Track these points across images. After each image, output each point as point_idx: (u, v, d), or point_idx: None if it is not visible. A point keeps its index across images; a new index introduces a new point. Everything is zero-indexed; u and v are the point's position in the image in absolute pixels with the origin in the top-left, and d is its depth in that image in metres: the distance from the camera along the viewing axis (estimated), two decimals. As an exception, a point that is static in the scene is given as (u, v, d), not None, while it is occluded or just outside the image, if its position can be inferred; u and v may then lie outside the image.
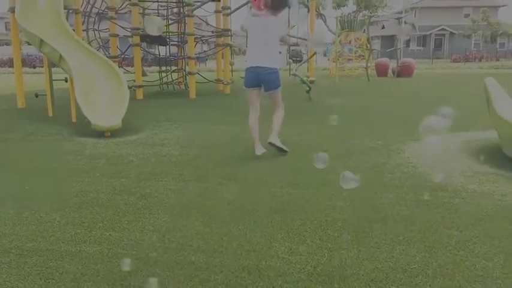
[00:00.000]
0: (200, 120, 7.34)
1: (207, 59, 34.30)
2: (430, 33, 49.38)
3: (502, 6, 52.25)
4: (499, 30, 43.70)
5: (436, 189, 3.55)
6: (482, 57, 38.27)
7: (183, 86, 13.07)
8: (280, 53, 5.21)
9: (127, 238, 2.70)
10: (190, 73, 11.15)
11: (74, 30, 8.25)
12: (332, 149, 4.98)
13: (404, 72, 17.70)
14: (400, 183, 3.75)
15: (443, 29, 49.08)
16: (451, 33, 48.80)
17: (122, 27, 12.07)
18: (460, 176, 3.91)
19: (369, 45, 19.55)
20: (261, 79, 4.80)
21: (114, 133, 5.96)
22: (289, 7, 5.28)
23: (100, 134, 5.92)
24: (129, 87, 9.86)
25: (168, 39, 12.65)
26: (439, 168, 4.15)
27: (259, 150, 4.76)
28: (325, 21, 20.17)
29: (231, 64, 13.05)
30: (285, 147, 4.82)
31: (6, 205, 3.31)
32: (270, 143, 4.74)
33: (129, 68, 13.57)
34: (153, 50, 20.91)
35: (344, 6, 42.72)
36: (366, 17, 24.02)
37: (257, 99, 5.00)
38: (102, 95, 6.82)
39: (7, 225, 2.92)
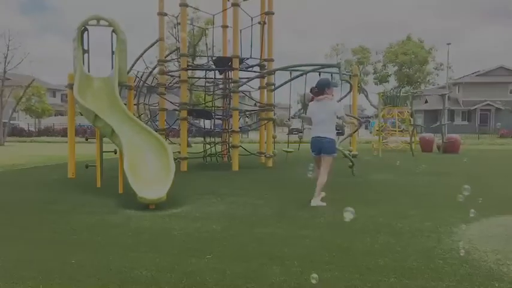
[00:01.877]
0: (243, 193, 7.35)
1: (249, 131, 35.05)
2: (475, 108, 48.77)
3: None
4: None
5: (491, 279, 3.33)
6: (530, 133, 37.17)
7: (226, 159, 13.29)
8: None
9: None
10: (234, 146, 11.37)
11: (125, 104, 8.71)
12: (378, 230, 4.84)
13: (450, 148, 17.36)
14: (452, 270, 3.55)
15: (488, 104, 48.43)
16: (497, 109, 48.02)
17: (171, 102, 12.62)
18: (518, 264, 3.67)
19: (412, 120, 19.46)
20: (320, 145, 6.35)
21: (158, 206, 6.05)
22: (329, 87, 6.55)
23: (145, 206, 6.02)
24: (175, 159, 10.16)
25: (213, 113, 13.09)
26: (492, 255, 3.91)
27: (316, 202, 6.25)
28: (367, 96, 20.35)
29: (274, 137, 13.24)
30: (324, 203, 6.24)
31: (52, 279, 3.35)
32: (312, 206, 6.16)
33: (174, 139, 14.03)
34: (197, 122, 21.68)
35: (386, 82, 43.27)
36: (409, 92, 24.13)
37: (319, 162, 6.47)
38: (149, 167, 7.04)
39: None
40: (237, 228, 4.99)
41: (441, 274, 3.45)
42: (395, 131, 21.27)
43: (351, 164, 9.98)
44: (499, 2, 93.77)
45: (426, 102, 50.09)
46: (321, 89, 6.47)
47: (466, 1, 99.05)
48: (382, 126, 19.65)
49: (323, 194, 6.42)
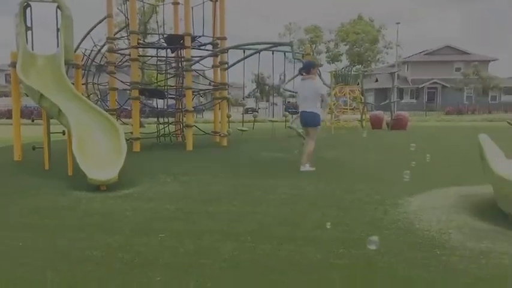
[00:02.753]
0: (197, 172, 7.34)
1: (204, 110, 34.79)
2: (423, 87, 50.48)
3: (493, 60, 53.82)
4: (490, 84, 44.75)
5: (433, 247, 3.52)
6: (475, 110, 39.00)
7: (180, 138, 13.16)
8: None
9: (120, 299, 2.64)
10: (187, 126, 11.27)
11: (73, 83, 8.42)
12: (329, 204, 4.99)
13: (398, 125, 17.94)
14: (397, 239, 3.73)
15: (435, 83, 50.23)
16: (444, 87, 49.92)
17: (122, 81, 12.30)
18: (457, 232, 3.89)
19: (362, 98, 19.92)
20: (305, 118, 7.38)
21: (110, 187, 5.94)
22: (313, 67, 7.73)
23: (96, 187, 5.90)
24: (126, 140, 9.96)
25: (166, 93, 12.88)
26: (435, 225, 4.13)
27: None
28: (320, 75, 20.63)
29: (228, 116, 13.22)
30: (312, 168, 7.36)
31: (-2, 263, 3.25)
32: (302, 171, 7.28)
33: (127, 120, 13.73)
34: (150, 102, 21.27)
35: (338, 61, 43.95)
36: (360, 71, 24.64)
37: (315, 135, 7.52)
38: (99, 148, 6.88)
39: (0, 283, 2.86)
40: (190, 206, 4.99)
41: (386, 244, 3.61)
42: (347, 109, 21.73)
43: (304, 141, 10.13)
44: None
45: (377, 81, 51.33)
46: (307, 70, 7.55)
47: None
48: (334, 104, 20.01)
49: (312, 168, 7.38)
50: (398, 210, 4.68)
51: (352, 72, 21.72)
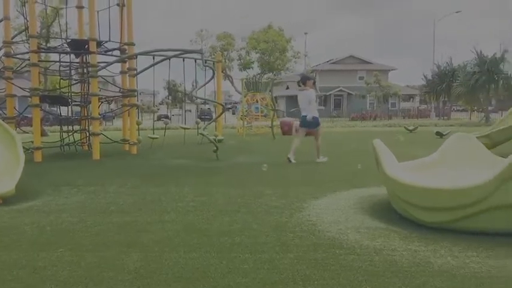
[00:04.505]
0: (103, 183, 7.08)
1: (114, 117, 33.62)
2: (330, 94, 52.90)
3: (391, 70, 57.90)
4: (389, 92, 48.06)
5: (333, 247, 3.72)
6: (376, 116, 41.69)
7: (86, 147, 12.61)
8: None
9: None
10: (94, 134, 10.83)
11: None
12: (237, 210, 5.07)
13: (307, 130, 18.59)
14: (300, 242, 3.89)
15: (341, 90, 52.90)
16: (349, 94, 52.71)
17: (20, 87, 11.54)
18: (355, 232, 4.15)
19: (273, 105, 20.44)
20: (305, 122, 9.45)
21: (7, 200, 5.55)
22: (308, 80, 9.65)
23: (-10, 202, 5.48)
24: (27, 150, 9.35)
25: (70, 100, 12.28)
26: (335, 226, 4.37)
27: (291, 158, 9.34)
28: (232, 82, 20.88)
29: (138, 124, 12.92)
30: (325, 159, 9.48)
31: None
32: (318, 162, 9.35)
33: (29, 128, 12.88)
34: (55, 110, 20.16)
35: (250, 68, 44.72)
36: (270, 79, 25.29)
37: (303, 134, 9.73)
38: (-6, 159, 6.38)
39: None
40: (94, 218, 4.81)
41: (290, 246, 3.76)
42: (259, 116, 22.17)
43: (215, 148, 10.20)
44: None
45: (287, 88, 52.91)
46: (303, 82, 9.47)
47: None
48: (246, 111, 20.33)
49: (325, 159, 9.44)
50: (303, 213, 4.88)
51: (263, 80, 22.24)
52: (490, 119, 29.24)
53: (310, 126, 9.46)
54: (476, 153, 5.00)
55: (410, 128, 21.70)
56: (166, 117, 37.57)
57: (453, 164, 4.98)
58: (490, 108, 33.71)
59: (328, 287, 2.92)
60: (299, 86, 9.63)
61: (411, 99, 58.88)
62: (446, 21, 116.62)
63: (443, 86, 39.19)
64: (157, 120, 31.99)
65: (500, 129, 10.33)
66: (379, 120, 38.07)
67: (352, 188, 6.29)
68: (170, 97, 48.99)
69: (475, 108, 39.44)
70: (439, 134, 16.52)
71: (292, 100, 48.88)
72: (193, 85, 22.01)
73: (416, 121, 34.70)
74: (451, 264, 3.30)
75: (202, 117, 34.36)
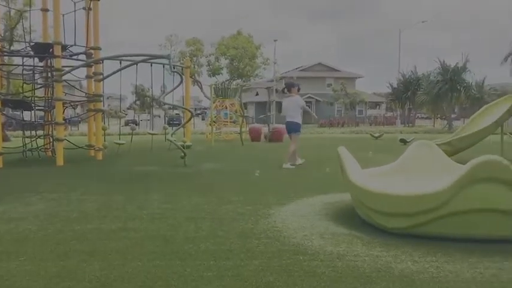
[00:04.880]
0: (66, 189, 6.92)
1: (79, 122, 32.98)
2: (299, 101, 53.35)
3: (359, 77, 58.99)
4: (356, 99, 48.92)
5: (297, 253, 3.76)
6: (344, 123, 42.37)
7: (50, 153, 12.30)
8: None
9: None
10: (58, 139, 10.59)
11: None
12: (203, 216, 5.05)
13: (275, 137, 18.74)
14: (265, 248, 3.90)
15: (310, 97, 53.48)
16: (317, 101, 53.35)
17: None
18: (319, 238, 4.19)
19: (242, 112, 20.49)
20: (289, 127, 9.68)
21: (-38, 208, 5.36)
22: (293, 86, 9.78)
23: None
24: (-14, 156, 9.05)
25: (33, 104, 11.96)
26: (300, 232, 4.41)
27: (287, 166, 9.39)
28: (201, 88, 20.83)
29: (104, 129, 12.69)
30: (293, 166, 9.40)
31: None
32: (284, 168, 9.28)
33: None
34: (18, 114, 19.60)
35: (219, 74, 44.65)
36: (239, 85, 25.36)
37: (296, 138, 9.79)
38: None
39: None
40: (55, 226, 4.70)
41: (255, 253, 3.77)
42: (228, 122, 22.19)
43: (183, 154, 10.13)
44: (323, 4, 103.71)
45: (257, 94, 53.11)
46: (288, 89, 9.76)
47: (294, 2, 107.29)
48: (215, 117, 20.30)
49: (301, 161, 9.94)
50: (269, 220, 4.91)
51: (232, 86, 22.28)
52: (453, 126, 30.17)
53: (291, 130, 9.71)
54: (436, 160, 5.16)
55: (376, 135, 22.14)
56: (134, 122, 37.15)
57: (414, 171, 5.12)
58: (453, 115, 34.81)
59: (291, 294, 2.94)
60: (284, 92, 9.97)
61: (378, 106, 60.09)
62: (412, 31, 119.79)
63: (408, 94, 40.24)
64: (125, 125, 31.62)
65: (461, 137, 10.66)
66: (346, 127, 38.71)
67: (318, 194, 6.36)
68: (138, 102, 48.41)
69: (439, 115, 40.66)
70: (403, 141, 16.90)
71: (261, 106, 49.16)
72: (161, 90, 21.79)
73: (383, 128, 35.48)
74: (411, 269, 3.37)
75: (171, 122, 34.08)
